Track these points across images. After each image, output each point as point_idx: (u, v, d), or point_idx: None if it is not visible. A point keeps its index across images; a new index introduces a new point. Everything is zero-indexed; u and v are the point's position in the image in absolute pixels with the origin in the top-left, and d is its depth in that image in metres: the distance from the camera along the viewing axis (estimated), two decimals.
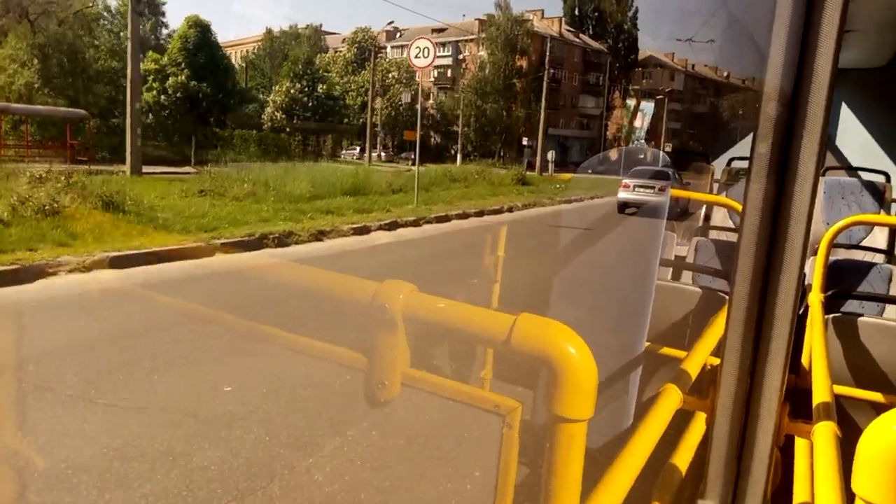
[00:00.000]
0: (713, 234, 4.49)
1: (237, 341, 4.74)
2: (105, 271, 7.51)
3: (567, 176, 34.50)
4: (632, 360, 2.23)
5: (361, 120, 58.98)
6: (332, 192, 15.99)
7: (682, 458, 1.29)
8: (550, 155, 38.67)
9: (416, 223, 14.04)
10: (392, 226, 13.30)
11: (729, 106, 70.07)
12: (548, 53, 62.47)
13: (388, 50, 68.89)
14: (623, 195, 17.65)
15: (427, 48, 15.94)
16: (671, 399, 1.21)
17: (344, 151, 59.86)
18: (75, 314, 6.18)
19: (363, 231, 12.42)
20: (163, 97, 33.19)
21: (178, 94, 32.97)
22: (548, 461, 0.74)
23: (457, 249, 11.77)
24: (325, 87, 36.46)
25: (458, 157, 56.82)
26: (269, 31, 41.55)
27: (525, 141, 56.02)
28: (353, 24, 71.75)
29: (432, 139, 63.11)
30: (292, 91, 35.65)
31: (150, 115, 32.27)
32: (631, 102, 69.06)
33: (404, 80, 59.41)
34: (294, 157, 31.48)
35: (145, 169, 20.51)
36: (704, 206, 5.50)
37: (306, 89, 35.19)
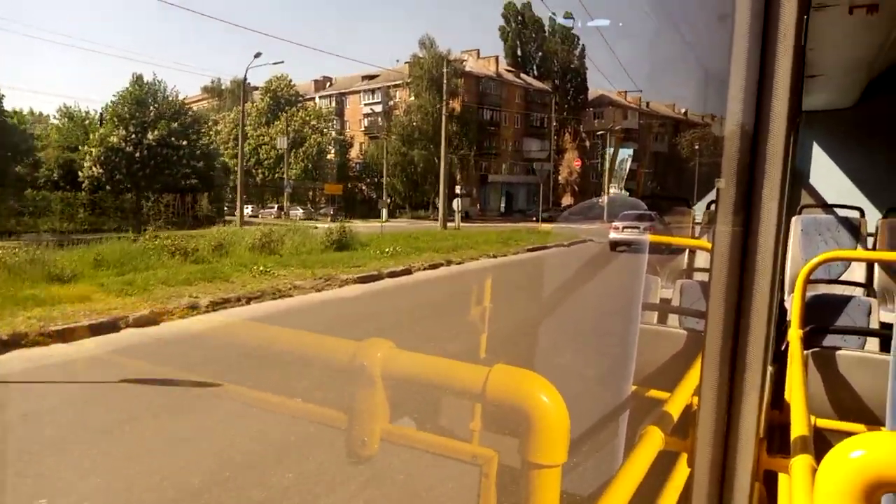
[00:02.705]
0: (698, 276, 4.49)
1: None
2: None
3: (459, 229, 28.26)
4: (619, 403, 2.23)
5: (277, 175, 53.26)
6: None
7: (668, 499, 1.34)
8: (456, 203, 32.63)
9: None
10: None
11: (689, 144, 65.28)
12: (484, 93, 57.77)
13: (317, 100, 63.97)
14: (613, 235, 19.89)
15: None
16: (653, 441, 1.23)
17: (262, 210, 53.89)
18: None
19: None
20: None
21: None
22: None
23: None
24: (157, 132, 30.14)
25: (384, 211, 50.91)
26: (138, 78, 35.76)
27: (458, 189, 50.32)
28: (300, 76, 66.77)
29: (362, 192, 57.39)
30: (112, 139, 28.82)
31: None
32: (610, 149, 64.29)
33: (323, 130, 53.99)
34: (146, 224, 25.04)
35: None
36: (687, 250, 5.44)
37: (132, 136, 28.75)
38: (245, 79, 32.74)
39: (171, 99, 37.01)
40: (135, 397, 5.38)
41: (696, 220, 6.93)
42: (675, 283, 3.89)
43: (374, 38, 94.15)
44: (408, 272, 13.22)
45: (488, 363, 0.80)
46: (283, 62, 33.94)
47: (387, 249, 15.15)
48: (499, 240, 21.06)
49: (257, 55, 32.03)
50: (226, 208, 60.88)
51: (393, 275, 12.79)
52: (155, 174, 30.02)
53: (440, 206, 33.95)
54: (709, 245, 2.58)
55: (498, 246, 18.94)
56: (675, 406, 1.45)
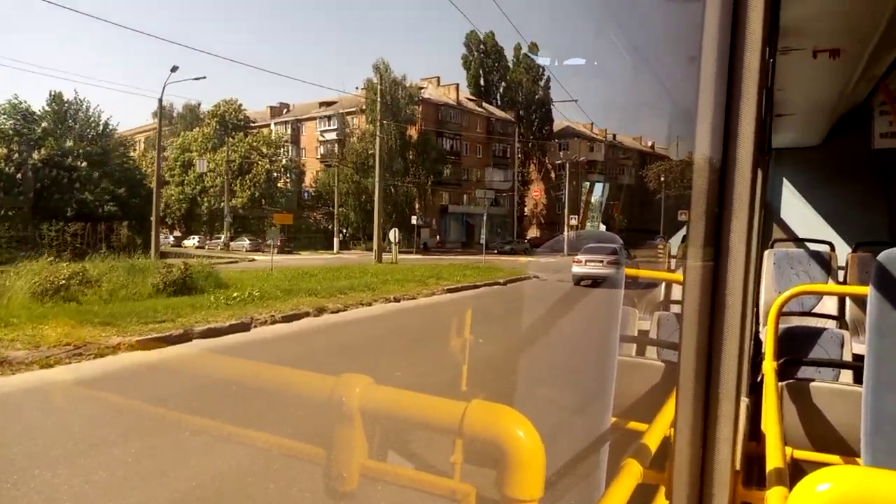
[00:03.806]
0: (675, 308, 4.55)
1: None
2: None
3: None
4: (599, 436, 2.22)
5: (221, 203, 50.20)
6: None
7: None
8: (393, 235, 29.87)
9: None
10: None
11: (656, 177, 63.80)
12: (443, 121, 55.71)
13: (273, 126, 61.44)
14: (577, 269, 18.89)
15: None
16: (631, 473, 1.25)
17: (209, 241, 50.54)
18: None
19: None
20: None
21: None
22: None
23: None
24: (44, 152, 26.90)
25: (335, 241, 48.00)
26: (57, 96, 32.79)
27: (414, 219, 47.75)
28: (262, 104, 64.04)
29: (316, 222, 54.46)
30: None
31: None
32: (586, 183, 62.42)
33: (271, 157, 51.23)
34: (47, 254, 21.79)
35: None
36: (664, 282, 5.48)
37: (15, 156, 25.54)
38: (161, 100, 29.54)
39: (92, 120, 34.06)
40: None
41: (672, 254, 7.00)
42: (653, 315, 3.94)
43: (338, 64, 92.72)
44: (244, 328, 9.51)
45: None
46: (204, 77, 31.06)
47: (248, 293, 11.78)
48: (423, 277, 18.09)
49: (174, 69, 29.10)
50: (162, 237, 57.59)
51: (212, 333, 8.84)
52: (48, 198, 26.76)
53: (374, 237, 31.17)
54: (681, 278, 2.31)
55: (413, 285, 15.97)
56: (652, 438, 1.48)
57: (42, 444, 5.13)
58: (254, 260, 38.06)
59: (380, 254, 29.72)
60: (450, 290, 16.37)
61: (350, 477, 0.89)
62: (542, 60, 62.70)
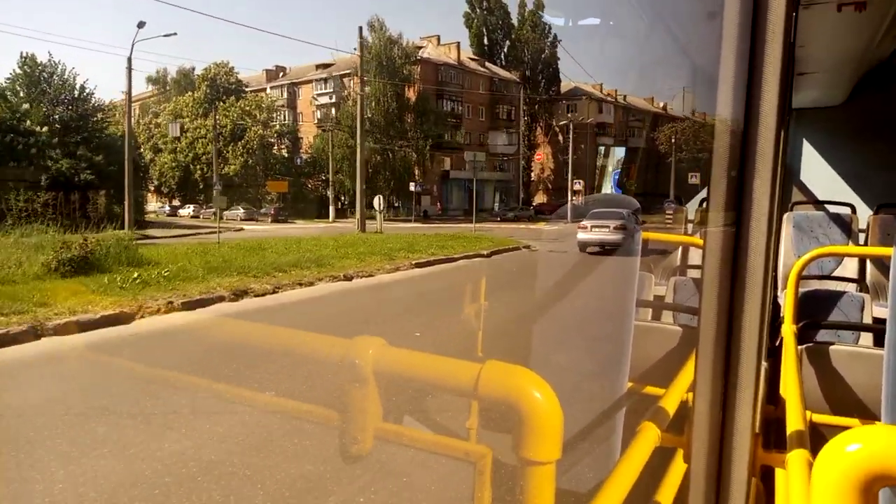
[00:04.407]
0: (691, 273, 4.52)
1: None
2: None
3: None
4: (615, 400, 2.23)
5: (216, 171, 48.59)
6: None
7: (665, 496, 1.33)
8: (378, 202, 28.01)
9: None
10: None
11: (667, 140, 61.04)
12: (443, 82, 53.26)
13: (269, 90, 59.39)
14: (582, 235, 17.98)
15: None
16: (648, 437, 1.24)
17: (203, 210, 49.06)
18: None
19: None
20: None
21: None
22: None
23: None
24: None
25: (331, 209, 46.35)
26: (29, 58, 31.10)
27: (413, 186, 45.91)
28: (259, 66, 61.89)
29: (315, 189, 52.75)
30: None
31: None
32: (602, 149, 60.05)
33: (266, 122, 49.32)
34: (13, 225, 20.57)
35: None
36: (680, 247, 5.43)
37: None
38: (130, 59, 27.53)
39: (68, 82, 32.37)
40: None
41: (689, 218, 6.91)
42: (669, 280, 3.90)
43: (337, 24, 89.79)
44: (126, 319, 7.43)
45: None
46: (175, 34, 29.08)
47: (157, 273, 9.97)
48: (394, 249, 16.19)
49: (140, 25, 27.04)
50: (157, 207, 56.21)
51: (72, 328, 6.83)
52: (2, 165, 25.24)
53: (357, 205, 29.40)
54: (700, 242, 2.60)
55: (376, 259, 13.86)
56: (670, 402, 1.46)
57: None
58: (241, 230, 36.72)
59: (363, 222, 28.04)
60: (419, 265, 14.18)
61: (364, 439, 0.89)
62: (551, 19, 59.81)
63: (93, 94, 33.00)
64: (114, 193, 30.82)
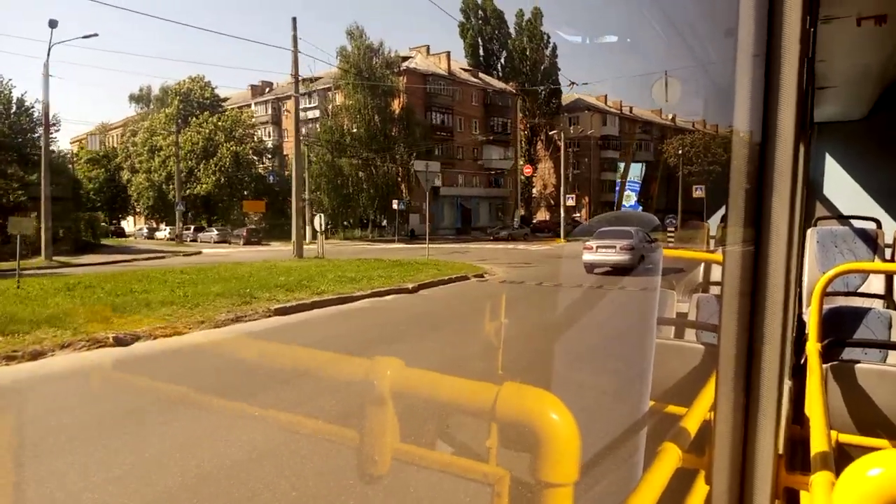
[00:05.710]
0: (714, 290, 4.49)
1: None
2: None
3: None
4: (637, 420, 2.21)
5: (188, 190, 45.76)
6: None
7: None
8: (318, 221, 24.66)
9: None
10: None
11: (674, 152, 57.25)
12: (432, 94, 50.11)
13: (253, 106, 56.80)
14: (588, 256, 17.44)
15: None
16: (670, 458, 1.22)
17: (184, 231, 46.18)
18: None
19: None
20: None
21: None
22: None
23: None
24: None
25: (307, 229, 43.11)
26: None
27: (396, 203, 42.63)
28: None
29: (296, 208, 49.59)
30: None
31: None
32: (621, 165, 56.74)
33: (241, 139, 46.49)
34: None
35: None
36: (703, 263, 5.41)
37: None
38: (47, 64, 24.46)
39: (4, 94, 29.69)
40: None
41: (711, 234, 6.87)
42: (692, 297, 3.92)
43: (333, 38, 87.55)
44: None
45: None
46: (96, 35, 26.19)
47: None
48: (298, 280, 12.56)
49: (53, 24, 23.88)
50: (135, 229, 53.39)
51: None
52: None
53: (293, 226, 26.10)
54: (721, 258, 2.40)
55: (231, 302, 10.29)
56: (692, 422, 1.45)
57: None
58: (198, 253, 33.48)
59: (300, 246, 24.70)
60: (280, 312, 10.05)
61: (382, 460, 0.89)
62: (560, 33, 56.78)
63: (32, 107, 30.20)
64: (60, 215, 27.88)
